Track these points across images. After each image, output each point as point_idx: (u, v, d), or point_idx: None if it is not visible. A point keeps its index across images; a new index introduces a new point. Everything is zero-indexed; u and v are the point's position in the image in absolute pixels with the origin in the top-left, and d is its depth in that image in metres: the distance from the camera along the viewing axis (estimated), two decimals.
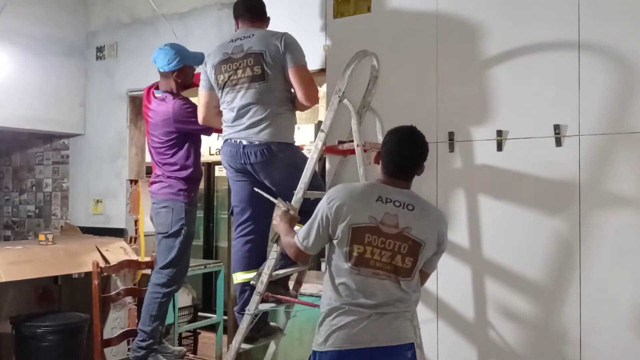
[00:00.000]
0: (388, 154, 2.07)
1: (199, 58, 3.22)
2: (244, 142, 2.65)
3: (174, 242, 3.21)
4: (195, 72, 3.33)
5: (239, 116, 2.67)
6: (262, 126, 2.63)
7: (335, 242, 2.04)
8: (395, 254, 1.98)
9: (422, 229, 2.01)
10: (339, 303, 2.01)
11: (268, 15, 2.85)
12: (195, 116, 3.02)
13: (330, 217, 2.02)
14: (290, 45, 2.65)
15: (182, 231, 3.20)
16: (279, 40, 2.65)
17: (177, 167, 3.23)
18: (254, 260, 2.76)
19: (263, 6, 2.86)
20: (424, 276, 2.19)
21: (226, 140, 2.74)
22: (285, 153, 2.66)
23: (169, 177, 3.24)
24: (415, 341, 2.09)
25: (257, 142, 2.63)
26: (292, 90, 2.68)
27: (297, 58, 2.65)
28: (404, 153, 2.06)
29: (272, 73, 2.63)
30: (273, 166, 2.64)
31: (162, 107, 3.23)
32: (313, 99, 2.66)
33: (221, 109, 2.79)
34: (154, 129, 3.27)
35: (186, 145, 3.22)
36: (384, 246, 1.98)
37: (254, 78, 2.64)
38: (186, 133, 3.19)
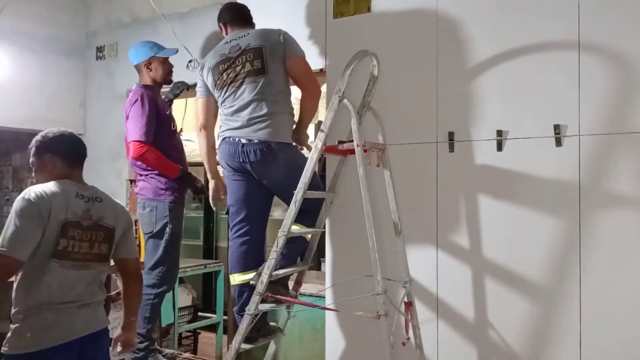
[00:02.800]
0: (64, 152, 2.25)
1: (169, 50, 3.36)
2: (243, 141, 2.65)
3: (159, 242, 3.22)
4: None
5: (238, 111, 2.67)
6: (261, 124, 2.64)
7: (44, 242, 2.09)
8: (93, 242, 2.18)
9: (110, 217, 2.23)
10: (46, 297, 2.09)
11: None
12: (133, 123, 3.13)
13: (44, 217, 2.06)
14: (289, 39, 2.72)
15: (166, 230, 3.20)
16: (277, 35, 2.69)
17: (156, 176, 3.25)
18: (251, 261, 2.75)
19: (249, 11, 2.94)
20: (129, 263, 2.36)
21: (224, 138, 2.74)
22: (286, 152, 2.66)
23: (147, 175, 3.26)
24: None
25: (256, 141, 2.63)
26: (290, 87, 2.71)
27: (297, 51, 2.71)
28: (76, 145, 2.31)
29: (272, 67, 2.66)
30: (273, 165, 2.64)
31: (127, 99, 3.33)
32: (316, 89, 2.70)
33: (220, 109, 2.79)
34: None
35: (156, 143, 3.20)
36: (82, 239, 2.14)
37: (254, 72, 2.65)
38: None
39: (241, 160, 2.66)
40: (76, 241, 2.12)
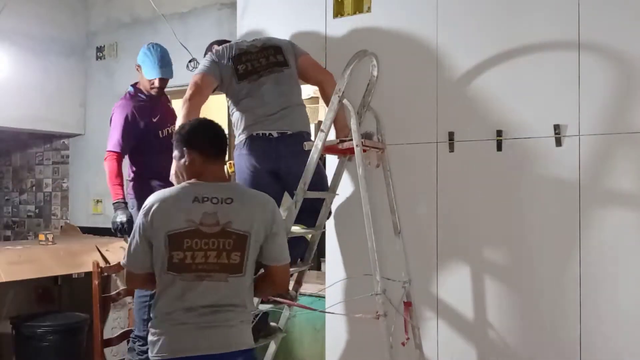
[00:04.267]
0: (191, 151, 2.02)
1: (150, 72, 3.26)
2: (274, 134, 2.63)
3: None
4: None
5: (267, 100, 2.65)
6: (293, 114, 2.69)
7: (154, 250, 1.95)
8: (221, 251, 1.91)
9: (243, 221, 1.95)
10: (165, 310, 1.93)
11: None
12: (111, 129, 3.25)
13: (147, 226, 1.93)
14: (291, 40, 2.88)
15: None
16: (284, 39, 2.86)
17: (134, 169, 3.35)
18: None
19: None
20: (276, 272, 2.06)
21: (250, 135, 2.64)
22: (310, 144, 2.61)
23: (133, 177, 3.36)
24: (251, 346, 2.01)
25: (290, 132, 2.64)
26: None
27: (304, 51, 2.84)
28: (212, 133, 2.05)
29: (291, 61, 2.77)
30: (302, 157, 2.54)
31: None
32: (330, 76, 2.78)
33: (239, 104, 2.71)
34: None
35: (143, 152, 3.30)
36: (207, 247, 1.90)
37: (278, 64, 2.74)
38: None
39: (275, 155, 2.62)
40: (196, 251, 1.90)
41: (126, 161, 3.35)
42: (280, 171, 2.68)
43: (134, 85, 3.38)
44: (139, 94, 3.35)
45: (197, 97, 2.65)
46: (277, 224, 2.03)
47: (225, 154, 2.10)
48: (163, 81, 3.32)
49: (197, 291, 1.91)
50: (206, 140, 2.03)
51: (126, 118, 3.25)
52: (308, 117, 2.83)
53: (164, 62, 3.29)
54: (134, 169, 3.35)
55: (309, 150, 2.53)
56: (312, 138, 2.74)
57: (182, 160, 2.04)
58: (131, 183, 3.36)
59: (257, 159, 2.65)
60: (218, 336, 1.92)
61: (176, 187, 2.02)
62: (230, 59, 2.73)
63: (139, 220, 1.96)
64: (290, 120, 2.67)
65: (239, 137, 2.72)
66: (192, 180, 2.00)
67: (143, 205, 1.97)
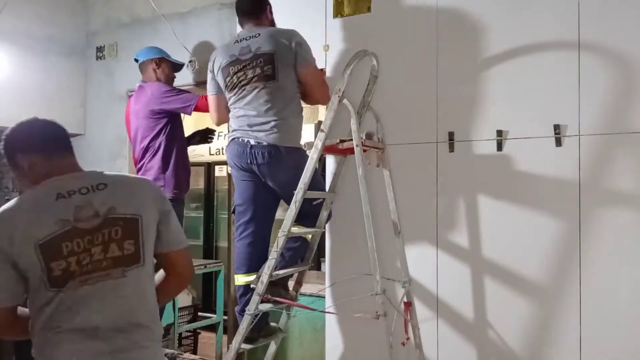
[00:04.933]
0: (32, 151, 1.71)
1: (178, 64, 3.54)
2: (252, 142, 2.65)
3: None
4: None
5: (248, 114, 2.67)
6: (271, 128, 2.63)
7: (29, 274, 1.56)
8: (108, 244, 1.60)
9: (129, 203, 1.67)
10: (53, 333, 1.57)
11: (267, 6, 2.84)
12: (175, 94, 3.24)
13: (5, 246, 1.55)
14: (301, 44, 2.67)
15: None
16: (288, 39, 2.65)
17: (159, 166, 3.32)
18: (256, 262, 2.74)
19: (259, 3, 2.83)
20: (178, 259, 1.77)
21: (233, 138, 2.74)
22: (293, 156, 2.65)
23: (146, 174, 3.33)
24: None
25: (265, 143, 2.62)
26: (300, 89, 2.72)
27: (309, 59, 2.69)
28: (43, 131, 1.76)
29: (282, 73, 2.64)
30: (279, 168, 2.63)
31: (141, 93, 3.40)
32: (326, 99, 2.69)
33: (230, 109, 2.78)
34: (135, 120, 3.40)
35: (166, 141, 3.33)
36: (91, 244, 1.58)
37: (264, 77, 2.64)
38: (167, 115, 3.30)
39: (249, 161, 2.66)
40: (81, 254, 1.57)
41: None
42: (260, 175, 2.70)
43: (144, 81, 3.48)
44: None
45: (219, 118, 2.90)
46: (167, 201, 1.77)
47: (68, 144, 1.79)
48: None
49: (90, 306, 1.57)
50: (42, 141, 1.73)
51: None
52: (294, 130, 2.71)
53: None
54: (171, 165, 3.35)
55: (289, 161, 2.59)
56: (302, 145, 2.76)
57: (18, 171, 1.73)
58: (162, 180, 3.34)
59: (233, 158, 2.75)
60: None
61: (28, 192, 1.68)
62: (220, 68, 2.76)
63: None
64: (266, 134, 2.64)
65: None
66: (47, 180, 1.67)
67: None
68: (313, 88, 2.71)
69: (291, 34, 2.67)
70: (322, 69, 2.89)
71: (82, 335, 1.57)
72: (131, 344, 1.62)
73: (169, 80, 3.50)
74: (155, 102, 3.29)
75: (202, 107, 3.16)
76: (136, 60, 3.57)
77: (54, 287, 1.56)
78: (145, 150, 3.34)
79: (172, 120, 3.35)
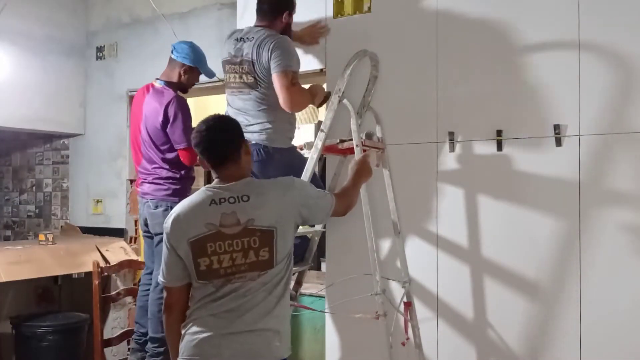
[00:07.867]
0: (199, 153, 2.01)
1: (209, 72, 3.32)
2: None
3: None
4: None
5: (236, 113, 2.70)
6: (260, 131, 2.67)
7: (186, 263, 1.94)
8: (247, 251, 1.88)
9: (265, 215, 1.91)
10: (195, 315, 1.95)
11: (285, 11, 2.79)
12: (181, 129, 3.11)
13: (170, 236, 1.95)
14: (274, 51, 2.61)
15: None
16: (268, 49, 2.62)
17: (172, 166, 3.22)
18: None
19: (272, 3, 2.79)
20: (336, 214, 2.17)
21: None
22: (282, 154, 2.67)
23: (160, 177, 3.21)
24: (281, 357, 1.96)
25: (253, 142, 2.64)
26: None
27: (278, 65, 2.61)
28: (207, 144, 1.97)
29: (264, 81, 2.66)
30: (269, 166, 2.65)
31: (158, 97, 3.21)
32: (287, 104, 2.61)
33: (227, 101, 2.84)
34: (147, 120, 3.22)
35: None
36: (232, 249, 1.88)
37: (247, 85, 2.70)
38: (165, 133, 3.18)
39: None
40: (221, 255, 1.88)
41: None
42: (255, 174, 2.70)
43: (164, 82, 3.28)
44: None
45: (191, 163, 3.10)
46: (308, 195, 2.04)
47: (234, 153, 1.99)
48: None
49: (228, 296, 1.89)
50: (204, 151, 1.99)
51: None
52: (283, 135, 2.74)
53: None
54: (188, 166, 3.26)
55: (281, 160, 2.60)
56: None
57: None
58: (150, 184, 3.26)
59: None
60: (243, 345, 1.88)
61: (195, 193, 2.01)
62: (222, 61, 2.83)
63: (164, 232, 1.98)
64: (258, 134, 2.67)
65: None
66: (211, 184, 2.00)
67: (167, 216, 2.00)
68: (277, 92, 2.63)
69: (273, 42, 2.63)
70: (294, 72, 2.69)
71: (214, 318, 1.91)
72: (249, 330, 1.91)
73: (190, 85, 3.35)
74: (164, 123, 3.17)
75: (185, 155, 3.16)
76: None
77: (200, 280, 1.91)
78: (161, 160, 3.23)
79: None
